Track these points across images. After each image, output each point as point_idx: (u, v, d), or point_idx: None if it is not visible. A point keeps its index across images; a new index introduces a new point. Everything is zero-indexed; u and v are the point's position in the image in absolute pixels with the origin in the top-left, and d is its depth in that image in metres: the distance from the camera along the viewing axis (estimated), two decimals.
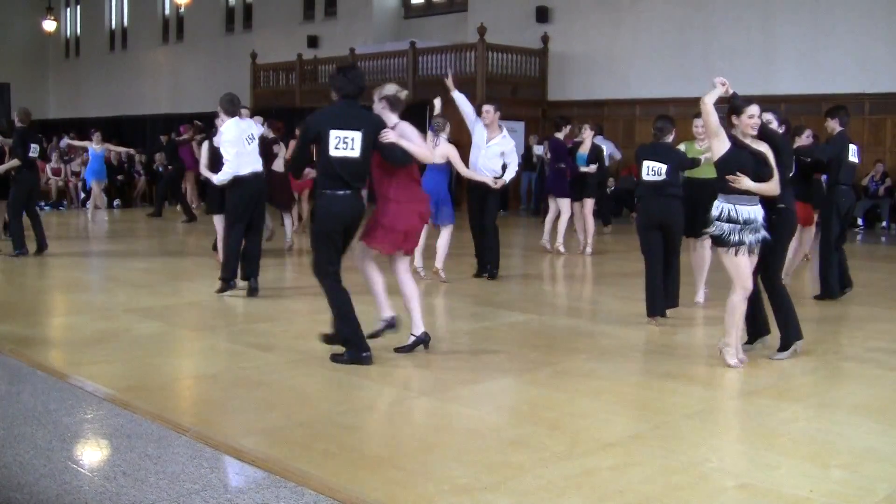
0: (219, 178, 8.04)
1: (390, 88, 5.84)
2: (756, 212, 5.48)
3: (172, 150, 17.35)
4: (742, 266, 5.47)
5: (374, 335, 5.92)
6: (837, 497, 3.55)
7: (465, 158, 9.07)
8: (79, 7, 35.76)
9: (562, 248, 11.55)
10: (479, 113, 9.25)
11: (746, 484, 3.67)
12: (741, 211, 5.44)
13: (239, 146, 7.91)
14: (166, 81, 30.59)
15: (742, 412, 4.76)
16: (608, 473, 3.77)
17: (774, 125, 6.21)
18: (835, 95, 16.15)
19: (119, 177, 20.76)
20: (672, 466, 3.85)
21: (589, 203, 11.63)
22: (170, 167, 17.86)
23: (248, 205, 7.98)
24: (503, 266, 9.60)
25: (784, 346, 5.82)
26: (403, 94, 5.87)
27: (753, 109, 5.47)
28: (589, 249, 11.53)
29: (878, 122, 16.47)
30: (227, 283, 8.05)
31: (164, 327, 6.92)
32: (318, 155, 5.57)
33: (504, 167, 9.24)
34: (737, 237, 5.41)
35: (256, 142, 8.21)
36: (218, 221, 8.66)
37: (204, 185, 8.82)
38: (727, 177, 5.41)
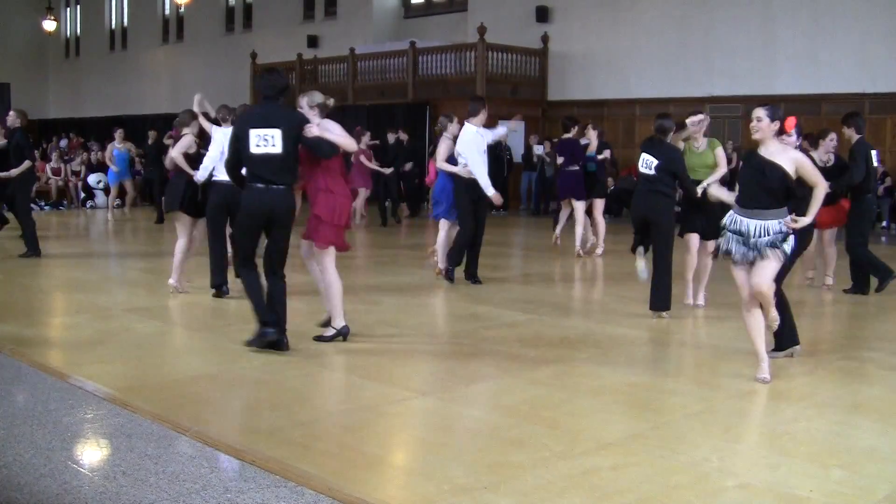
0: (199, 176, 8.08)
1: (318, 97, 6.17)
2: (752, 225, 5.19)
3: (157, 152, 16.98)
4: (736, 276, 5.37)
5: (324, 339, 6.16)
6: (837, 497, 3.55)
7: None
8: (79, 7, 35.78)
9: (581, 252, 11.38)
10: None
11: (746, 484, 3.67)
12: (739, 222, 5.26)
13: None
14: (166, 81, 30.60)
15: (742, 412, 4.75)
16: (608, 473, 3.77)
17: (793, 138, 6.25)
18: (835, 95, 16.17)
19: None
20: (672, 466, 3.85)
21: (599, 203, 11.59)
22: (150, 168, 17.49)
23: (225, 210, 7.88)
24: (503, 266, 9.61)
25: (778, 347, 5.82)
26: (331, 101, 6.24)
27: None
28: (599, 250, 11.51)
29: (878, 122, 16.46)
30: (219, 289, 8.07)
31: (164, 327, 6.93)
32: (242, 153, 5.85)
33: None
34: (726, 245, 5.31)
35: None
36: (180, 222, 8.43)
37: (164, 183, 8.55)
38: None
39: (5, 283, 9.15)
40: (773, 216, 5.15)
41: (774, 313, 5.30)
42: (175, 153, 8.28)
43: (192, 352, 6.21)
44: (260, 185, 5.75)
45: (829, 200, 8.38)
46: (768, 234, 5.13)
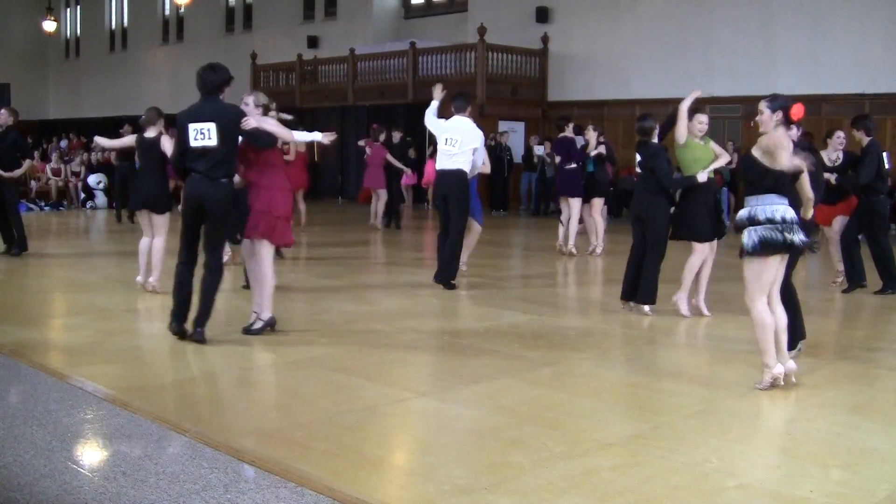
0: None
1: (263, 98, 6.48)
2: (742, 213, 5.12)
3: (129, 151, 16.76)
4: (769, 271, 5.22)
5: (253, 332, 6.33)
6: (837, 497, 3.55)
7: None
8: (79, 7, 35.78)
9: (574, 250, 11.44)
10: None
11: (746, 484, 3.67)
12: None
13: None
14: (166, 81, 30.59)
15: (742, 412, 4.75)
16: (608, 473, 3.77)
17: (793, 130, 6.24)
18: (835, 95, 16.18)
19: None
20: (672, 466, 3.85)
21: (598, 202, 11.62)
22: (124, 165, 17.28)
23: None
24: (504, 266, 9.61)
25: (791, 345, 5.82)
26: (273, 105, 6.72)
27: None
28: (599, 249, 11.52)
29: (878, 123, 16.30)
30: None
31: (164, 327, 6.92)
32: (182, 146, 6.09)
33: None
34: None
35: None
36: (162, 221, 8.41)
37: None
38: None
39: (5, 284, 9.15)
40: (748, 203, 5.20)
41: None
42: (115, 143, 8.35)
43: (192, 352, 6.20)
44: (196, 176, 6.00)
45: (837, 197, 8.41)
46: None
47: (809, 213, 5.27)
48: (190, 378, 5.50)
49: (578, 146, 11.72)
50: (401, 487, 3.69)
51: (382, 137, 15.03)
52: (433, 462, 3.93)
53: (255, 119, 6.06)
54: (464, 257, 9.12)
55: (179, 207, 6.21)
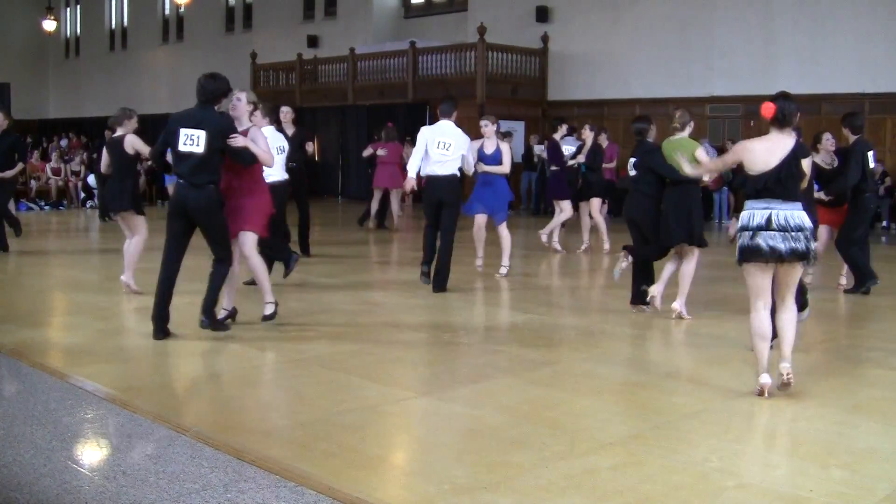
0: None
1: (253, 96, 6.70)
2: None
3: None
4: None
5: (269, 318, 6.69)
6: (837, 497, 3.55)
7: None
8: (79, 7, 35.78)
9: (557, 247, 11.77)
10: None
11: (746, 484, 3.67)
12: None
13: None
14: (166, 81, 30.60)
15: (742, 412, 4.75)
16: (608, 473, 3.77)
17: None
18: (835, 95, 16.17)
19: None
20: (672, 466, 3.85)
21: (595, 202, 11.79)
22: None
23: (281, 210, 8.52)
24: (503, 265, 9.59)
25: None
26: (260, 105, 6.86)
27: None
28: (606, 246, 11.66)
29: (878, 122, 16.47)
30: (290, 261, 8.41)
31: None
32: (172, 150, 6.26)
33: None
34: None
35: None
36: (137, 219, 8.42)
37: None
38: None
39: (5, 283, 9.15)
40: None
41: None
42: (103, 167, 8.47)
43: (193, 352, 6.20)
44: (181, 182, 6.18)
45: (834, 204, 8.42)
46: None
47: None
48: (190, 378, 5.50)
49: (573, 147, 11.97)
50: (401, 487, 3.69)
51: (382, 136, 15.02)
52: (433, 462, 3.93)
53: (243, 138, 6.18)
54: (504, 259, 9.49)
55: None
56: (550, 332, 6.86)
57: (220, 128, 6.09)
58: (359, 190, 21.22)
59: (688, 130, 7.18)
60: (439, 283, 8.46)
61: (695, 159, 7.02)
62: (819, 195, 7.95)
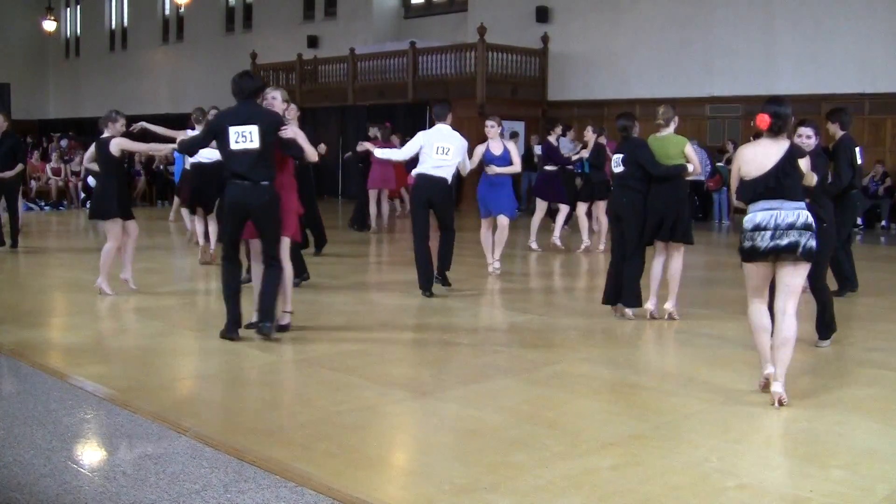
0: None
1: (286, 94, 6.61)
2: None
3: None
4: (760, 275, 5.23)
5: (283, 328, 6.42)
6: (837, 497, 3.55)
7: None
8: (79, 7, 35.77)
9: (534, 245, 11.83)
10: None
11: (746, 484, 3.67)
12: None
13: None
14: (166, 81, 30.61)
15: (742, 412, 4.75)
16: (608, 473, 3.77)
17: (812, 140, 6.22)
18: (835, 95, 16.17)
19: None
20: (672, 466, 3.85)
21: (601, 205, 11.77)
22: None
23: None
24: (504, 266, 9.60)
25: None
26: (292, 111, 6.90)
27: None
28: (601, 247, 11.65)
29: (878, 122, 16.46)
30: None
31: (164, 327, 6.92)
32: (221, 150, 6.12)
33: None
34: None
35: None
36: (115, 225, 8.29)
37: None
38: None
39: (5, 283, 9.15)
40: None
41: None
42: (85, 160, 8.43)
43: (192, 352, 6.21)
44: (238, 181, 6.01)
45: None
46: None
47: None
48: (190, 378, 5.50)
49: (569, 149, 12.04)
50: (401, 487, 3.69)
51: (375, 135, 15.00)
52: (433, 462, 3.93)
53: (292, 129, 6.20)
54: (497, 254, 9.46)
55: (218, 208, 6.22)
56: (550, 333, 6.86)
57: (272, 120, 6.06)
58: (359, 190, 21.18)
59: (672, 126, 7.11)
60: (441, 278, 8.51)
61: (683, 156, 7.04)
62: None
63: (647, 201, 7.02)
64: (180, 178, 12.30)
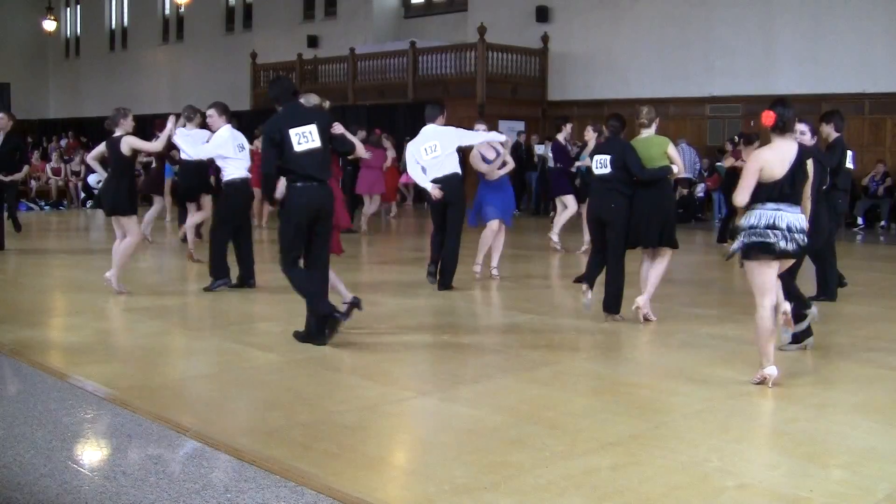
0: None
1: (315, 98, 6.47)
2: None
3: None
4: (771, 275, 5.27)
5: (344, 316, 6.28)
6: (837, 497, 3.55)
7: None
8: (79, 7, 35.77)
9: (556, 243, 11.76)
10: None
11: (746, 484, 3.67)
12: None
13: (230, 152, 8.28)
14: (166, 81, 30.60)
15: (742, 412, 4.75)
16: (608, 473, 3.77)
17: (808, 137, 6.21)
18: (835, 95, 16.18)
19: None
20: (672, 466, 3.85)
21: None
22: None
23: (237, 208, 8.41)
24: (504, 266, 9.59)
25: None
26: (327, 103, 6.57)
27: None
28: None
29: (878, 122, 16.47)
30: (224, 278, 8.29)
31: (164, 327, 6.92)
32: (282, 155, 5.92)
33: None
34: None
35: (247, 150, 8.55)
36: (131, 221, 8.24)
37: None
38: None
39: (5, 283, 9.16)
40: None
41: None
42: (89, 157, 8.43)
43: (192, 352, 6.21)
44: (306, 184, 5.86)
45: None
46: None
47: None
48: (190, 378, 5.50)
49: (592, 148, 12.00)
50: (401, 487, 3.69)
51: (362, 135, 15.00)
52: (433, 462, 3.93)
53: (340, 126, 6.17)
54: (494, 262, 9.27)
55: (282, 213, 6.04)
56: (550, 332, 6.85)
57: (325, 118, 6.04)
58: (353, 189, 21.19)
59: (654, 127, 6.98)
60: (444, 282, 8.49)
61: (666, 157, 6.97)
62: None
63: (632, 205, 6.87)
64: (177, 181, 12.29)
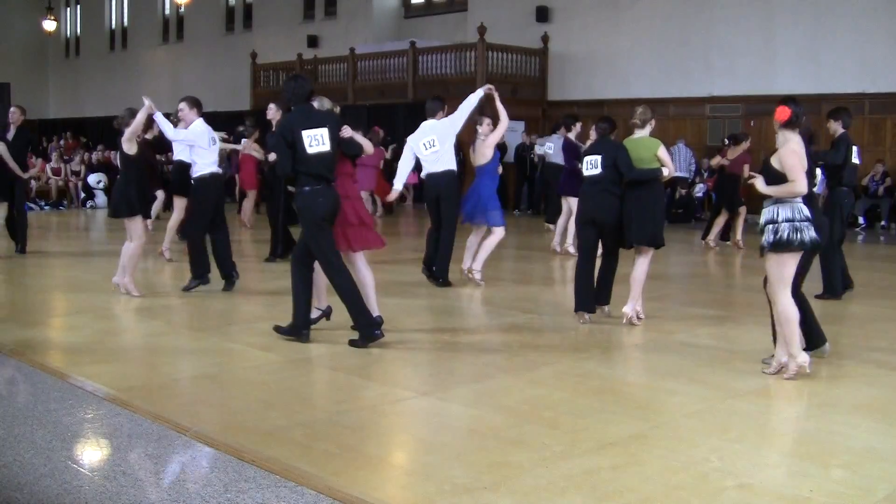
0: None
1: (328, 103, 6.41)
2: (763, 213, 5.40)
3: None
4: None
5: (312, 322, 6.33)
6: (837, 497, 3.55)
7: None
8: (79, 7, 35.77)
9: (571, 249, 11.27)
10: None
11: (746, 484, 3.67)
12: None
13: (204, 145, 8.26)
14: (166, 81, 30.58)
15: (742, 412, 4.75)
16: (608, 473, 3.77)
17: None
18: (835, 95, 16.17)
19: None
20: (672, 466, 3.85)
21: None
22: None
23: (208, 204, 8.32)
24: (503, 266, 9.59)
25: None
26: (337, 108, 6.53)
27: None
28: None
29: (878, 122, 16.47)
30: (200, 278, 8.28)
31: (164, 327, 6.93)
32: (294, 155, 5.96)
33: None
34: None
35: (218, 144, 8.57)
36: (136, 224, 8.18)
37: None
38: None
39: (5, 283, 9.16)
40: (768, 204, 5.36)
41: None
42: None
43: (192, 352, 6.21)
44: (320, 187, 5.92)
45: None
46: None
47: None
48: (190, 378, 5.50)
49: (557, 146, 12.07)
50: (401, 487, 3.69)
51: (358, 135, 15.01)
52: (433, 462, 3.93)
53: (348, 129, 6.20)
54: (477, 264, 8.83)
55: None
56: (550, 332, 6.85)
57: (334, 121, 6.07)
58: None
59: (648, 128, 6.96)
60: (439, 275, 8.55)
61: (656, 160, 6.96)
62: None
63: (622, 205, 6.91)
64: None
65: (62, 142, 26.51)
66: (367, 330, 5.99)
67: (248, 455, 3.90)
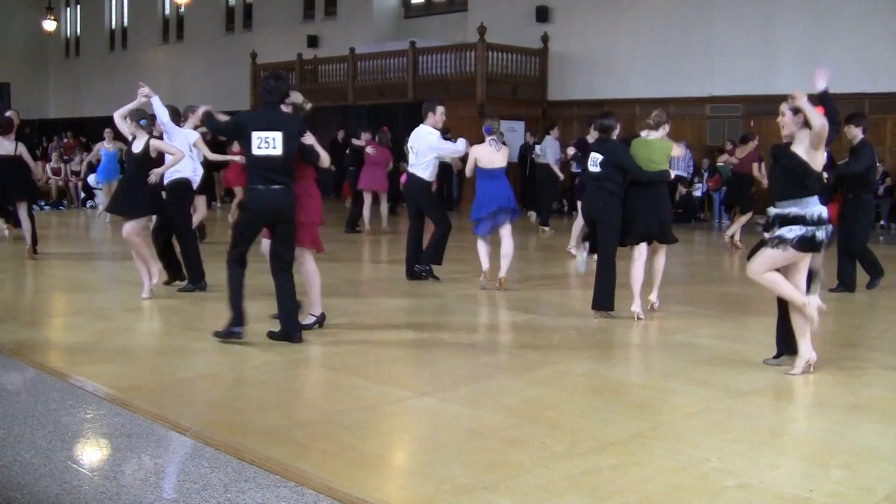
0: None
1: (299, 98, 6.44)
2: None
3: None
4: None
5: (305, 327, 6.34)
6: (837, 497, 3.55)
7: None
8: (79, 7, 35.79)
9: (573, 251, 11.43)
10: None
11: (746, 484, 3.67)
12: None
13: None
14: (166, 81, 30.57)
15: (742, 412, 4.75)
16: (608, 473, 3.77)
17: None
18: (835, 95, 16.06)
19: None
20: (672, 466, 3.85)
21: None
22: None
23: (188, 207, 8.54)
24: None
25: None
26: (308, 105, 6.52)
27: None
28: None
29: (878, 122, 16.45)
30: (197, 283, 8.31)
31: (164, 327, 6.93)
32: (244, 152, 6.16)
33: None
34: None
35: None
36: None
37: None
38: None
39: (5, 283, 9.15)
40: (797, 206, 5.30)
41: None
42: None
43: (192, 352, 6.20)
44: (261, 187, 5.99)
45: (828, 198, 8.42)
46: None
47: None
48: (190, 378, 5.50)
49: (554, 147, 12.05)
50: (401, 487, 3.69)
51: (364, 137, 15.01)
52: (433, 462, 3.93)
53: (310, 136, 6.22)
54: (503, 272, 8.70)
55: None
56: (550, 332, 6.85)
57: (295, 127, 6.06)
58: (344, 188, 21.18)
59: (661, 131, 7.04)
60: (428, 258, 8.87)
61: (668, 161, 7.07)
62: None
63: (625, 204, 6.97)
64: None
65: (62, 142, 26.49)
66: (232, 326, 6.04)
67: (248, 455, 3.90)
